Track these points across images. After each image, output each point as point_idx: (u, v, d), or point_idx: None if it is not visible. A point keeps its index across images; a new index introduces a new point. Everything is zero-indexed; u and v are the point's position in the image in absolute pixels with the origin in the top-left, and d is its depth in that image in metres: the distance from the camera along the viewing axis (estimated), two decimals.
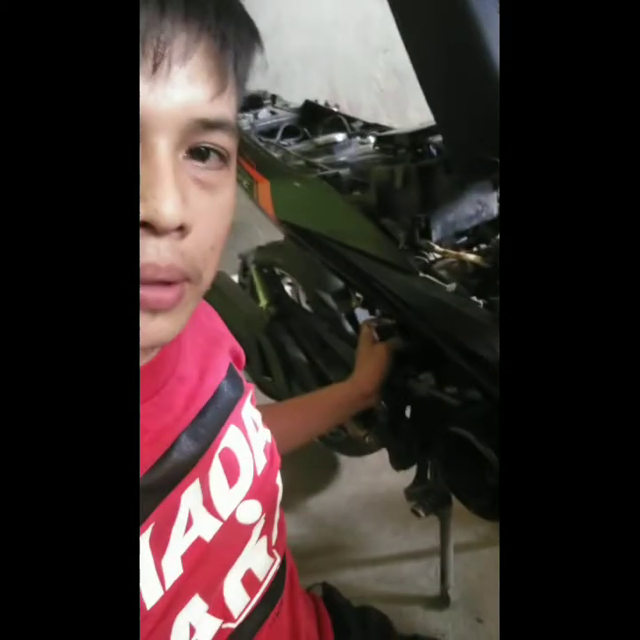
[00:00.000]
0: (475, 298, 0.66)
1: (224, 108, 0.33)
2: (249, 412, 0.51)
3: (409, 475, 0.88)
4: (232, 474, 0.46)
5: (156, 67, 0.30)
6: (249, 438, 0.49)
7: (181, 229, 0.31)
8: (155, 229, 0.30)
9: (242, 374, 0.55)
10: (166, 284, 0.33)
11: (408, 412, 0.84)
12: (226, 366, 0.51)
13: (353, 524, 1.27)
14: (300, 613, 0.54)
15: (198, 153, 0.33)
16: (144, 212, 0.29)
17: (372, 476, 1.35)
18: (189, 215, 0.31)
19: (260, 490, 0.48)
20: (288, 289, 1.25)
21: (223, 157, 0.34)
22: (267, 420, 0.54)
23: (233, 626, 0.44)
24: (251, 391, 0.53)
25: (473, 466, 0.70)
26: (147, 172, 0.30)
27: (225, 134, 0.33)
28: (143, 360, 0.42)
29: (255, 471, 0.48)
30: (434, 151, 0.75)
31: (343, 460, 1.42)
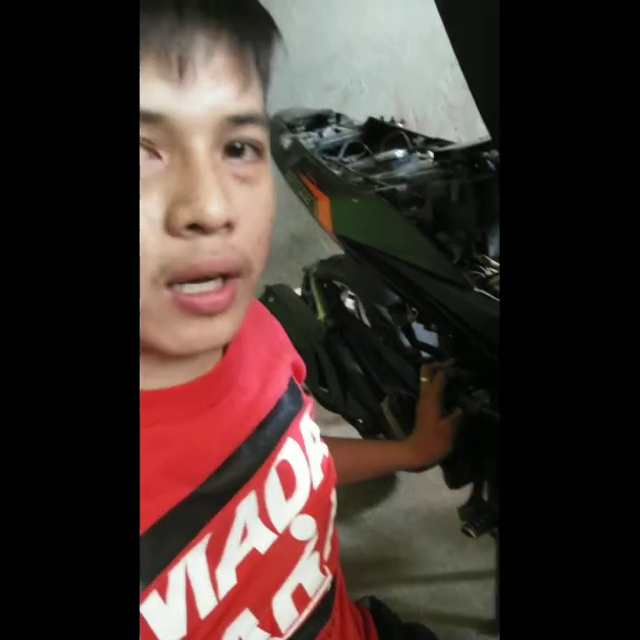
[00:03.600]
0: None
1: (252, 102, 0.34)
2: (307, 425, 0.51)
3: (468, 493, 0.86)
4: (289, 486, 0.45)
5: (181, 72, 0.30)
6: (307, 452, 0.49)
7: (228, 226, 0.32)
8: (203, 229, 0.31)
9: (301, 387, 0.55)
10: (219, 287, 0.34)
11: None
12: (287, 379, 0.51)
13: (408, 540, 1.26)
14: (351, 632, 0.54)
15: (234, 150, 0.34)
16: (190, 215, 0.30)
17: (431, 492, 1.33)
18: (233, 211, 0.32)
19: (315, 505, 0.48)
20: (349, 302, 1.26)
21: (258, 150, 0.35)
22: None
23: None
24: (309, 405, 0.53)
25: None
26: (187, 175, 0.31)
27: (256, 128, 0.34)
28: (202, 370, 0.42)
29: (312, 485, 0.48)
30: (492, 166, 0.75)
31: (402, 474, 1.41)
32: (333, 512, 0.52)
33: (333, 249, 1.25)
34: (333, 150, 1.09)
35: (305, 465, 0.48)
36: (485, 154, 0.74)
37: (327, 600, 0.49)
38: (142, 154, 0.31)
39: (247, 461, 0.42)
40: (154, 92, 0.30)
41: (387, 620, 0.63)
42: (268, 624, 0.43)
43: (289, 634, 0.44)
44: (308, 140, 1.11)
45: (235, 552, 0.40)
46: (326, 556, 0.50)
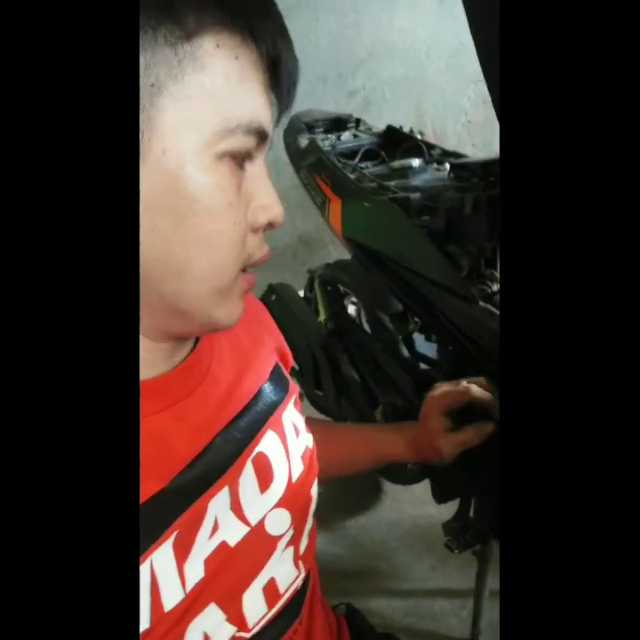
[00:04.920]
0: None
1: None
2: (290, 415, 0.49)
3: (454, 510, 0.85)
4: (264, 479, 0.44)
5: (289, 95, 0.37)
6: (287, 444, 0.47)
7: None
8: (272, 227, 0.39)
9: (288, 374, 0.53)
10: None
11: None
12: (270, 367, 0.50)
13: (390, 552, 1.24)
14: (318, 632, 0.53)
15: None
16: (270, 217, 0.38)
17: (416, 506, 1.32)
18: None
19: (292, 498, 0.47)
20: (351, 309, 1.26)
21: None
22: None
23: (247, 635, 0.43)
24: (294, 394, 0.52)
25: None
26: (261, 184, 0.37)
27: None
28: (172, 363, 0.41)
29: (290, 478, 0.47)
30: None
31: (388, 486, 1.40)
32: (313, 506, 0.51)
33: (341, 254, 1.25)
34: (349, 154, 1.09)
35: (283, 457, 0.47)
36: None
37: (298, 597, 0.48)
38: (232, 163, 0.35)
39: (221, 455, 0.41)
40: (261, 108, 0.35)
41: (361, 627, 0.62)
42: (236, 618, 0.42)
43: (256, 629, 0.43)
44: (326, 141, 1.11)
45: (204, 545, 0.40)
46: (302, 550, 0.49)
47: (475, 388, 0.66)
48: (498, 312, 0.68)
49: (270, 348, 0.52)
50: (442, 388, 0.69)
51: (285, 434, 0.48)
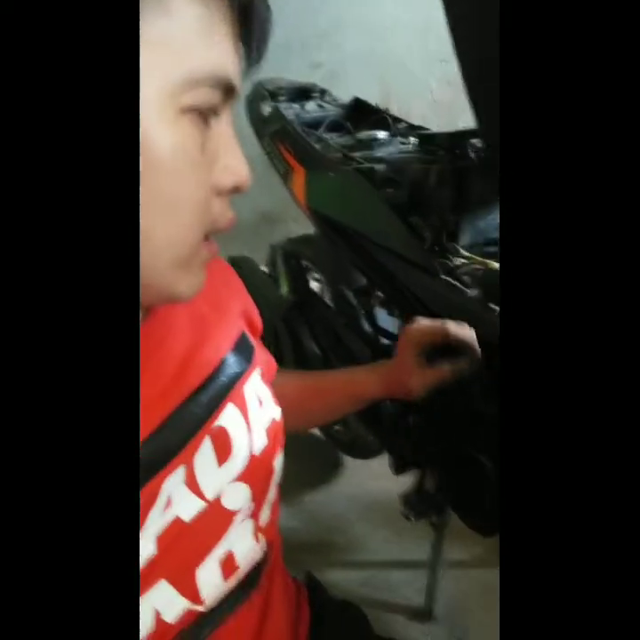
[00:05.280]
0: (494, 306, 0.65)
1: None
2: (254, 387, 0.47)
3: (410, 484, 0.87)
4: (223, 453, 0.43)
5: (258, 50, 0.35)
6: (249, 417, 0.45)
7: None
8: (239, 190, 0.36)
9: (254, 342, 0.51)
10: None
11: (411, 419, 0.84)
12: (234, 335, 0.47)
13: (346, 526, 1.26)
14: (276, 600, 0.52)
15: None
16: (236, 180, 0.35)
17: (374, 480, 1.34)
18: None
19: (253, 472, 0.45)
20: (314, 285, 1.25)
21: None
22: (284, 396, 0.51)
23: (201, 608, 0.42)
24: (260, 365, 0.49)
25: (474, 481, 0.69)
26: (226, 144, 0.34)
27: None
28: None
29: (252, 451, 0.45)
30: (472, 155, 0.74)
31: (347, 460, 1.41)
32: (275, 478, 0.49)
33: (303, 230, 1.23)
34: (314, 125, 1.07)
35: (244, 431, 0.45)
36: (469, 141, 0.74)
37: (257, 569, 0.47)
38: (197, 118, 0.32)
39: (177, 432, 0.39)
40: (229, 61, 0.32)
41: (320, 594, 0.63)
42: (189, 592, 0.41)
43: (211, 602, 0.43)
44: (289, 111, 1.08)
45: (156, 522, 0.38)
46: (263, 522, 0.48)
47: (452, 326, 0.65)
48: (459, 285, 0.69)
49: (236, 314, 0.50)
50: (419, 323, 0.67)
51: (247, 408, 0.45)
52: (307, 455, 1.42)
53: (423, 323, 0.67)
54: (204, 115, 0.32)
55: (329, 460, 1.43)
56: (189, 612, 0.41)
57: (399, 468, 0.87)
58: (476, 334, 0.65)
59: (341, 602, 0.65)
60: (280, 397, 0.52)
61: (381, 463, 1.18)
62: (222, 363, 0.44)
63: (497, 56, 0.27)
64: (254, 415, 0.46)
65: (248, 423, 0.45)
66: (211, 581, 0.42)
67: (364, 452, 1.26)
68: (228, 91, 0.33)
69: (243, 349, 0.47)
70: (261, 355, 0.52)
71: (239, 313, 0.50)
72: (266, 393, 0.49)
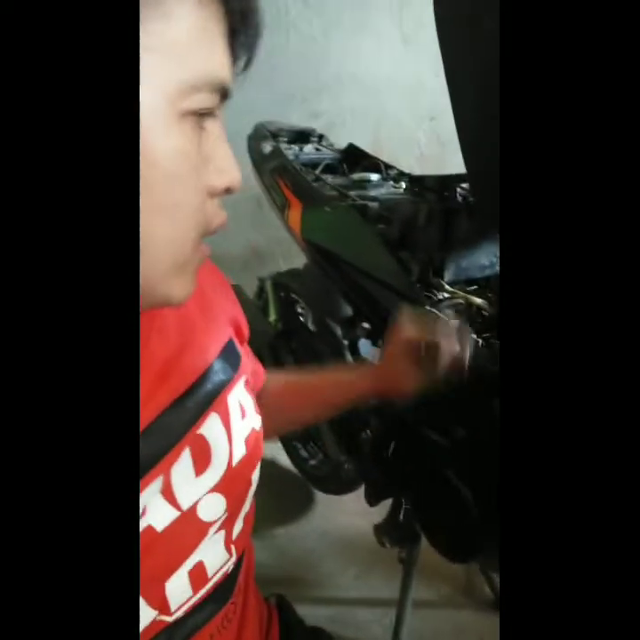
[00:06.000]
0: (474, 336, 0.69)
1: None
2: (237, 396, 0.46)
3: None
4: (201, 463, 0.41)
5: (249, 59, 0.35)
6: (231, 427, 0.44)
7: None
8: (230, 192, 0.36)
9: (241, 349, 0.50)
10: None
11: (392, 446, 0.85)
12: (222, 342, 0.46)
13: (316, 561, 1.24)
14: (251, 619, 0.51)
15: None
16: (229, 182, 0.35)
17: (346, 517, 1.33)
18: None
19: (230, 483, 0.44)
20: (301, 317, 1.28)
21: None
22: (273, 393, 0.50)
23: (169, 619, 0.41)
24: (245, 373, 0.48)
25: (448, 505, 0.70)
26: (219, 147, 0.34)
27: None
28: None
29: (230, 462, 0.44)
30: (460, 198, 0.80)
31: (319, 496, 1.41)
32: (252, 490, 0.48)
33: (291, 267, 1.27)
34: (311, 166, 1.13)
35: (225, 441, 0.43)
36: (457, 185, 0.79)
37: (228, 581, 0.46)
38: (194, 122, 0.32)
39: (157, 443, 0.38)
40: (226, 65, 0.33)
41: (291, 618, 0.62)
42: (158, 602, 0.40)
43: (179, 613, 0.41)
44: (289, 151, 1.14)
45: None
46: (235, 534, 0.47)
47: (440, 326, 0.62)
48: (442, 316, 0.72)
49: (224, 320, 0.49)
50: (408, 322, 0.63)
51: (230, 418, 0.44)
52: (279, 490, 1.41)
53: (413, 321, 0.63)
54: (201, 118, 0.33)
55: (301, 495, 1.43)
56: (157, 622, 0.40)
57: (374, 498, 0.88)
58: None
59: (311, 628, 0.64)
60: (268, 394, 0.52)
61: (354, 499, 1.19)
62: (208, 370, 0.43)
63: (496, 114, 0.28)
64: (236, 425, 0.45)
65: (229, 434, 0.44)
66: (179, 591, 0.41)
67: (338, 487, 1.26)
68: (223, 94, 0.33)
69: (229, 357, 0.46)
70: (248, 363, 0.51)
71: (227, 319, 0.49)
72: (249, 402, 0.48)
